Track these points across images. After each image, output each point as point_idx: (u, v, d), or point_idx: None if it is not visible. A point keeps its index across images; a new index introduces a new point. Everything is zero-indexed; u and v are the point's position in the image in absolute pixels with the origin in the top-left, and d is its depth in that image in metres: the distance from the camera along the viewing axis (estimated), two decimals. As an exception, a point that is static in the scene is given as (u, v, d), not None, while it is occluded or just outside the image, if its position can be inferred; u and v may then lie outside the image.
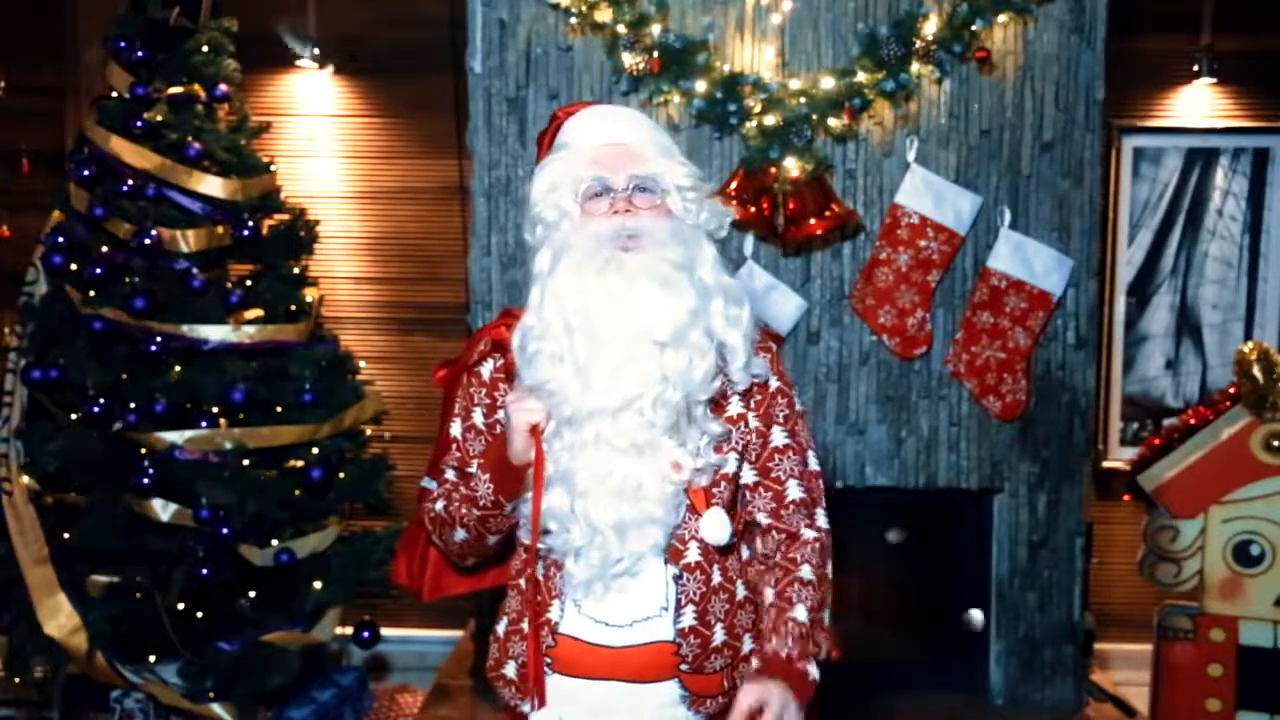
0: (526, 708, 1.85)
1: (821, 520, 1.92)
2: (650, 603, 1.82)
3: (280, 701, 3.55)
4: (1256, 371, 3.27)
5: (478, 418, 1.94)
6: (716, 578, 1.85)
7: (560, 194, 1.86)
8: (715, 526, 1.81)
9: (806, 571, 1.86)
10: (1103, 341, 4.10)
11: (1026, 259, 3.36)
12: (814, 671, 1.79)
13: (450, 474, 1.97)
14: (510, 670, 1.90)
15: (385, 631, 3.80)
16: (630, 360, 1.75)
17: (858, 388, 3.43)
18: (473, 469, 1.91)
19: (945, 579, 3.63)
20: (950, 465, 3.43)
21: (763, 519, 1.90)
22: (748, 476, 1.91)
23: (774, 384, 1.92)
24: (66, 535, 3.42)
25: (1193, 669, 3.34)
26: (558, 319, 1.78)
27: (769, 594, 1.86)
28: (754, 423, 1.89)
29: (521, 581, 1.89)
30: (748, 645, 1.89)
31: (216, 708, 3.41)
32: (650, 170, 1.85)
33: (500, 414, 1.89)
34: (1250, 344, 3.36)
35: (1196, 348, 4.22)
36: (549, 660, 1.85)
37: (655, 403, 1.76)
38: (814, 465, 1.94)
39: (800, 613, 1.82)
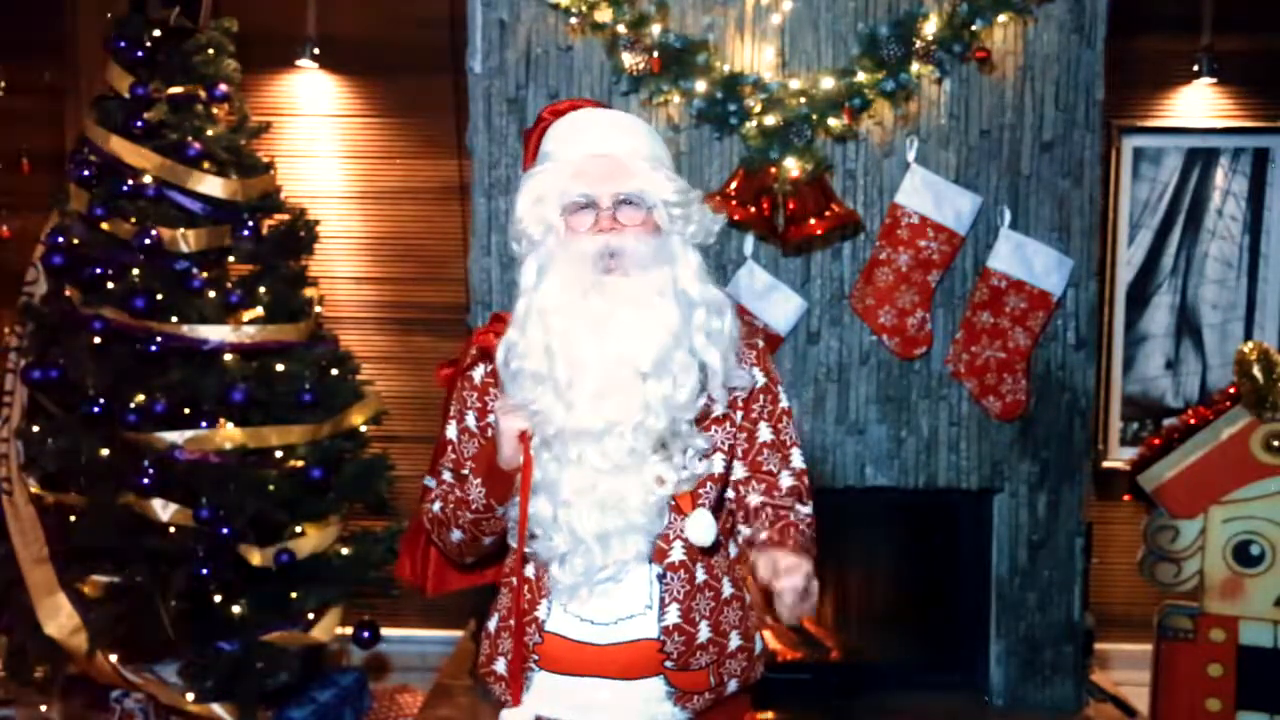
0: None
1: (810, 509, 1.93)
2: (635, 602, 1.84)
3: (280, 701, 3.55)
4: (1256, 371, 3.27)
5: (470, 421, 1.97)
6: (701, 575, 1.87)
7: (545, 208, 1.86)
8: (700, 528, 1.83)
9: (804, 528, 1.86)
10: (1103, 341, 4.09)
11: (1026, 259, 3.36)
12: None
13: (447, 475, 1.99)
14: (500, 666, 1.92)
15: (385, 631, 3.80)
16: (611, 387, 1.77)
17: (858, 388, 3.43)
18: (466, 472, 1.93)
19: (945, 579, 3.63)
20: (950, 465, 3.43)
21: (755, 500, 1.89)
22: (738, 472, 1.92)
23: (760, 380, 1.93)
24: (66, 535, 3.42)
25: (1193, 669, 3.34)
26: (539, 339, 1.79)
27: (763, 530, 1.85)
28: (739, 419, 1.91)
29: (513, 579, 1.91)
30: (734, 642, 1.91)
31: (216, 708, 3.41)
32: (636, 187, 1.84)
33: (491, 418, 1.91)
34: (1250, 344, 3.36)
35: (1196, 348, 4.22)
36: (536, 657, 1.87)
37: (638, 429, 1.77)
38: (798, 463, 1.95)
39: (798, 529, 1.83)
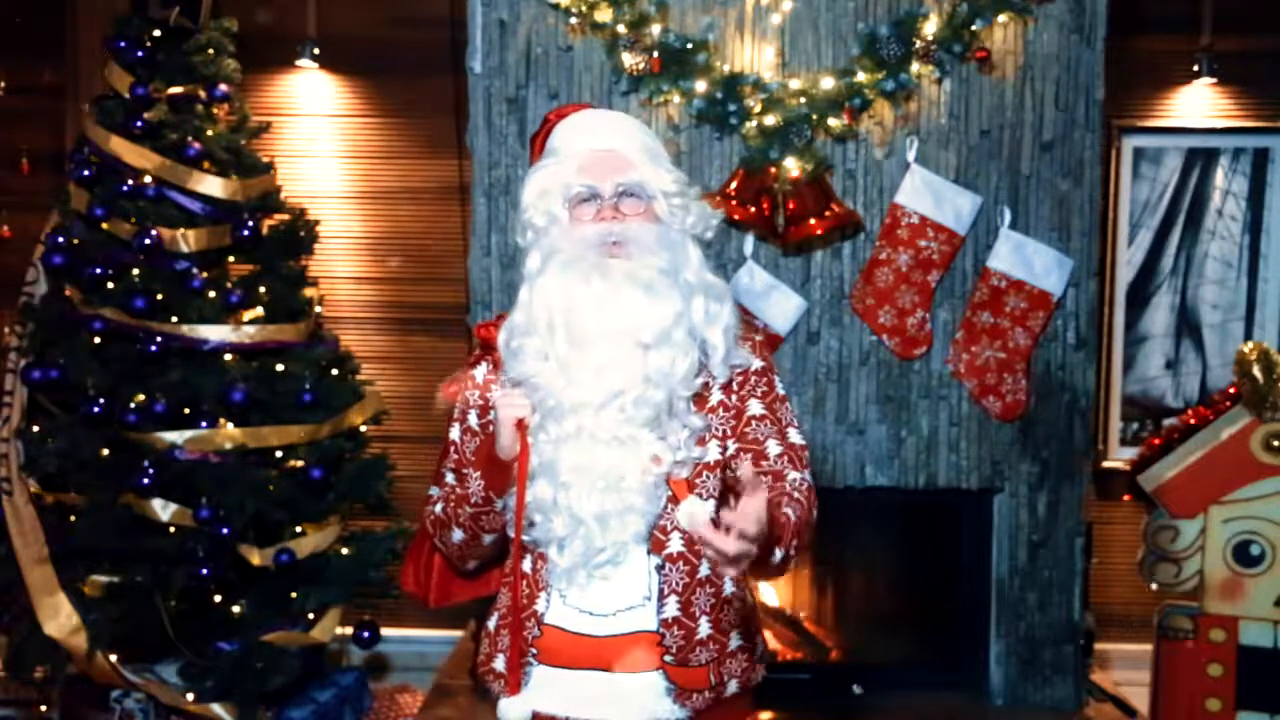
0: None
1: (808, 476, 1.89)
2: (633, 592, 1.85)
3: (280, 701, 3.55)
4: (1256, 371, 3.27)
5: (473, 419, 1.99)
6: (703, 570, 1.87)
7: (550, 200, 1.91)
8: (690, 515, 1.81)
9: (797, 494, 1.82)
10: (1103, 341, 4.09)
11: (1026, 259, 3.35)
12: (778, 555, 1.73)
13: (450, 476, 2.01)
14: (500, 664, 1.94)
15: (385, 631, 3.80)
16: (613, 360, 1.80)
17: (858, 388, 3.43)
18: (467, 470, 1.95)
19: (945, 579, 3.63)
20: (950, 465, 3.43)
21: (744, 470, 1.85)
22: (730, 449, 1.90)
23: (756, 364, 1.94)
24: (66, 535, 3.42)
25: (1193, 669, 3.34)
26: (543, 316, 1.83)
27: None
28: (733, 403, 1.91)
29: (512, 576, 1.92)
30: (735, 642, 1.91)
31: (216, 708, 3.41)
32: (637, 177, 1.90)
33: (492, 413, 1.92)
34: (1250, 344, 3.36)
35: (1196, 348, 4.22)
36: (535, 651, 1.88)
37: (637, 401, 1.80)
38: (796, 439, 1.92)
39: (790, 511, 1.77)
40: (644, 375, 1.80)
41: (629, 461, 1.81)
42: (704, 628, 1.87)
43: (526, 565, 1.91)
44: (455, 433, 2.01)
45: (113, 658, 3.39)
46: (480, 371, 2.00)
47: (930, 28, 3.27)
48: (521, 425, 1.84)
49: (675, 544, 1.86)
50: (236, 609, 3.48)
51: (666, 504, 1.85)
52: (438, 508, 2.00)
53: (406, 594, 2.25)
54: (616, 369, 1.80)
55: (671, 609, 1.84)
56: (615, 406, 1.80)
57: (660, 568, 1.85)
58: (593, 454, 1.80)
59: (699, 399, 1.89)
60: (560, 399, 1.81)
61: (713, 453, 1.88)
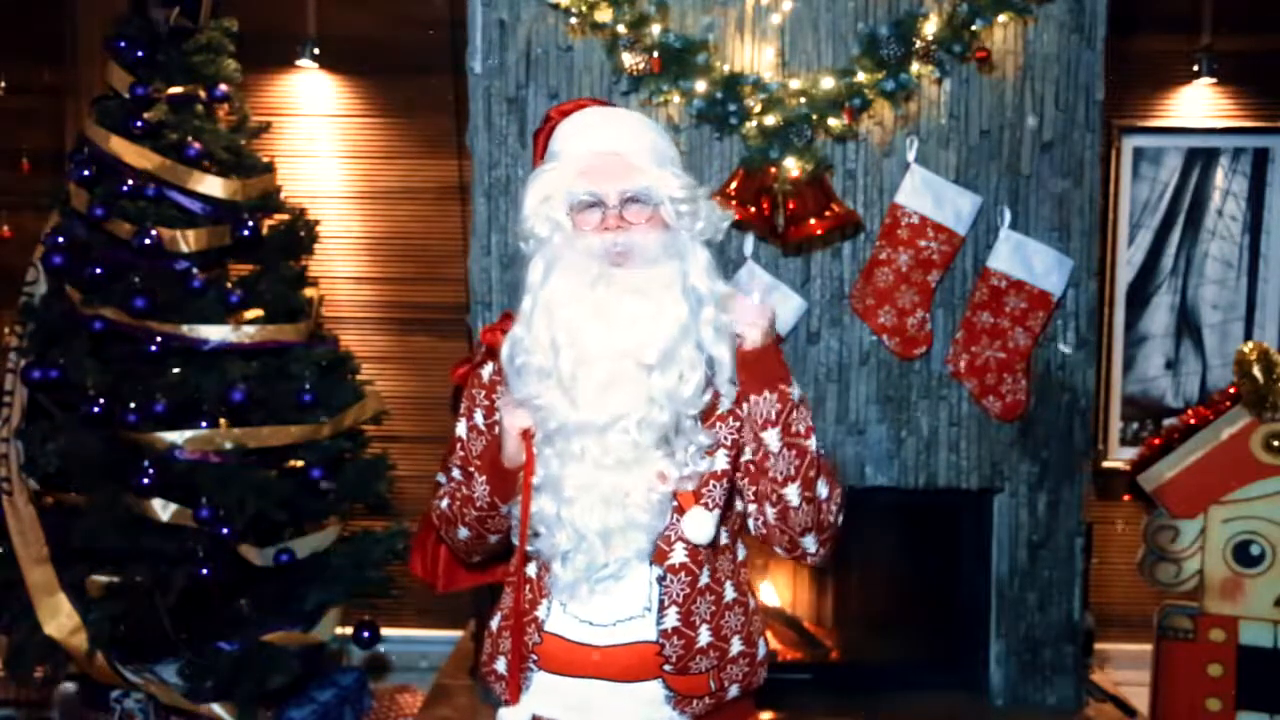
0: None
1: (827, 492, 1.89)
2: (634, 603, 1.83)
3: (280, 701, 3.55)
4: (1256, 371, 3.27)
5: (479, 419, 1.98)
6: (704, 579, 1.86)
7: (552, 206, 1.85)
8: (696, 526, 1.82)
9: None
10: (1103, 341, 4.09)
11: (1026, 259, 3.36)
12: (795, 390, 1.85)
13: (455, 473, 2.00)
14: (501, 665, 1.93)
15: (385, 631, 3.81)
16: (616, 380, 1.76)
17: (858, 388, 3.43)
18: (473, 470, 1.94)
19: (945, 579, 3.63)
20: (950, 465, 3.43)
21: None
22: (742, 484, 1.90)
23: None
24: (66, 535, 3.42)
25: (1193, 669, 3.34)
26: (545, 333, 1.79)
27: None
28: (743, 412, 1.87)
29: (515, 579, 1.92)
30: (736, 647, 1.90)
31: (216, 708, 3.41)
32: (642, 184, 1.83)
33: (498, 415, 1.91)
34: (1250, 344, 3.36)
35: (1196, 348, 4.22)
36: (535, 658, 1.87)
37: (641, 423, 1.76)
38: (812, 449, 1.89)
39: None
40: (648, 396, 1.76)
41: (634, 480, 1.78)
42: (704, 636, 1.85)
43: (531, 570, 1.90)
44: (462, 429, 2.00)
45: (113, 658, 3.39)
46: (486, 371, 1.98)
47: (930, 28, 3.27)
48: (527, 435, 1.82)
49: (678, 555, 1.84)
50: (236, 609, 3.48)
51: (672, 515, 1.83)
52: (444, 504, 1.99)
53: (415, 580, 2.27)
54: (619, 388, 1.76)
55: (671, 619, 1.83)
56: (619, 429, 1.76)
57: (661, 579, 1.83)
58: (597, 475, 1.78)
59: (706, 412, 1.85)
60: (563, 421, 1.78)
61: (720, 462, 1.85)
